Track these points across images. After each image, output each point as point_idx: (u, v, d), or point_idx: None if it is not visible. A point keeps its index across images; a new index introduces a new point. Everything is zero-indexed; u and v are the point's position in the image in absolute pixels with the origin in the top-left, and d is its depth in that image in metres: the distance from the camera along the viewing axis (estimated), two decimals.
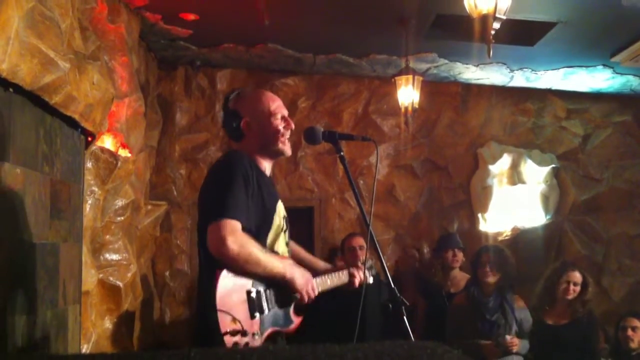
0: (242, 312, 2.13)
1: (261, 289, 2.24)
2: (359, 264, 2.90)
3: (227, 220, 2.13)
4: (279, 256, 2.38)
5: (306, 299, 2.37)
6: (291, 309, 2.39)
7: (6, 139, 2.77)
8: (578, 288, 4.26)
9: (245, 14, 4.67)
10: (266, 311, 2.23)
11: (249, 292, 2.18)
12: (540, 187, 6.49)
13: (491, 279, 4.12)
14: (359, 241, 4.49)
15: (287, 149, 2.52)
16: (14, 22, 2.69)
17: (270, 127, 2.46)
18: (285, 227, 2.50)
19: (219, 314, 2.03)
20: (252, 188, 2.27)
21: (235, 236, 2.12)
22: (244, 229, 2.18)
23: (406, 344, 1.12)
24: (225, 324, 2.04)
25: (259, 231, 2.32)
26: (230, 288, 2.12)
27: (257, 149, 2.46)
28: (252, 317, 2.16)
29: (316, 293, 2.42)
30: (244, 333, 2.07)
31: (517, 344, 3.96)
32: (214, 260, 2.14)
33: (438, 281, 5.10)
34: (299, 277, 2.33)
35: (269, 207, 2.39)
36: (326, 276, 2.65)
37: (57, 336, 3.37)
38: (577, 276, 4.29)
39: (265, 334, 2.22)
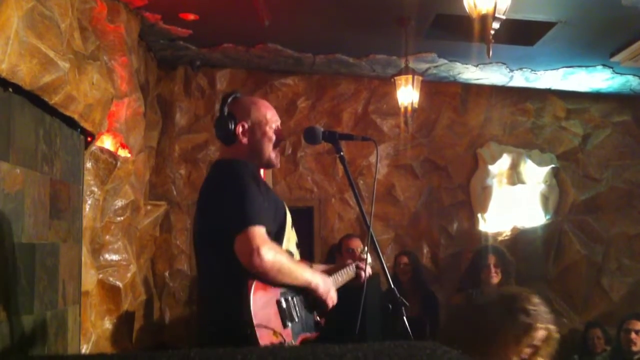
0: (276, 323, 2.11)
1: (289, 297, 2.22)
2: (362, 257, 2.89)
3: (254, 229, 2.06)
4: (301, 263, 2.39)
5: (330, 305, 2.38)
6: (315, 313, 2.40)
7: (6, 139, 2.77)
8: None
9: (244, 14, 4.67)
10: (296, 319, 2.23)
11: (278, 302, 2.15)
12: (540, 187, 6.49)
13: (496, 280, 4.10)
14: (357, 243, 4.47)
15: (276, 160, 2.47)
16: (14, 22, 2.69)
17: (263, 136, 2.41)
18: (292, 224, 2.50)
19: (258, 329, 1.98)
20: (264, 189, 2.25)
21: (267, 245, 2.06)
22: (268, 234, 2.13)
23: (406, 344, 1.12)
24: (265, 338, 2.00)
25: (277, 232, 2.29)
26: (262, 300, 2.07)
27: (246, 156, 2.40)
28: (285, 326, 2.14)
29: (336, 299, 2.43)
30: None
31: None
32: (242, 272, 2.06)
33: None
34: (322, 284, 2.34)
35: (280, 206, 2.38)
36: (337, 274, 2.69)
37: (57, 336, 3.37)
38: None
39: (298, 341, 2.22)
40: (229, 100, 2.46)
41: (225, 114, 2.43)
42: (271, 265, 2.05)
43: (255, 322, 1.98)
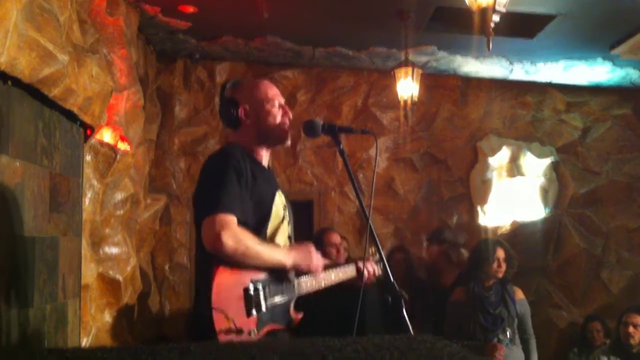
0: (238, 309, 2.10)
1: (260, 286, 2.20)
2: (368, 257, 2.88)
3: (220, 215, 2.10)
4: (278, 246, 2.38)
5: (316, 270, 2.44)
6: (291, 307, 2.39)
7: (5, 132, 2.77)
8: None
9: (244, 6, 4.66)
10: (264, 308, 2.20)
11: (246, 290, 2.14)
12: (540, 180, 6.49)
13: (502, 274, 4.09)
14: (338, 238, 4.37)
15: (285, 129, 2.48)
16: (13, 15, 2.68)
17: (267, 114, 2.43)
18: (286, 217, 2.49)
19: (214, 312, 2.01)
20: (246, 179, 2.24)
21: (230, 231, 2.08)
22: (240, 222, 2.15)
23: (406, 338, 1.12)
24: (219, 322, 2.02)
25: (257, 223, 2.29)
26: (227, 285, 2.09)
27: (254, 138, 2.43)
28: (249, 314, 2.13)
29: (322, 264, 2.47)
30: (238, 331, 2.05)
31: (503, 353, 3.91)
32: (212, 256, 2.10)
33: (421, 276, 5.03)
34: (300, 259, 2.35)
35: (266, 197, 2.37)
36: (330, 271, 2.66)
37: (57, 330, 3.37)
38: None
39: (263, 331, 2.19)
40: (228, 86, 2.49)
41: (226, 100, 2.45)
42: (233, 251, 2.08)
43: (213, 305, 2.02)
